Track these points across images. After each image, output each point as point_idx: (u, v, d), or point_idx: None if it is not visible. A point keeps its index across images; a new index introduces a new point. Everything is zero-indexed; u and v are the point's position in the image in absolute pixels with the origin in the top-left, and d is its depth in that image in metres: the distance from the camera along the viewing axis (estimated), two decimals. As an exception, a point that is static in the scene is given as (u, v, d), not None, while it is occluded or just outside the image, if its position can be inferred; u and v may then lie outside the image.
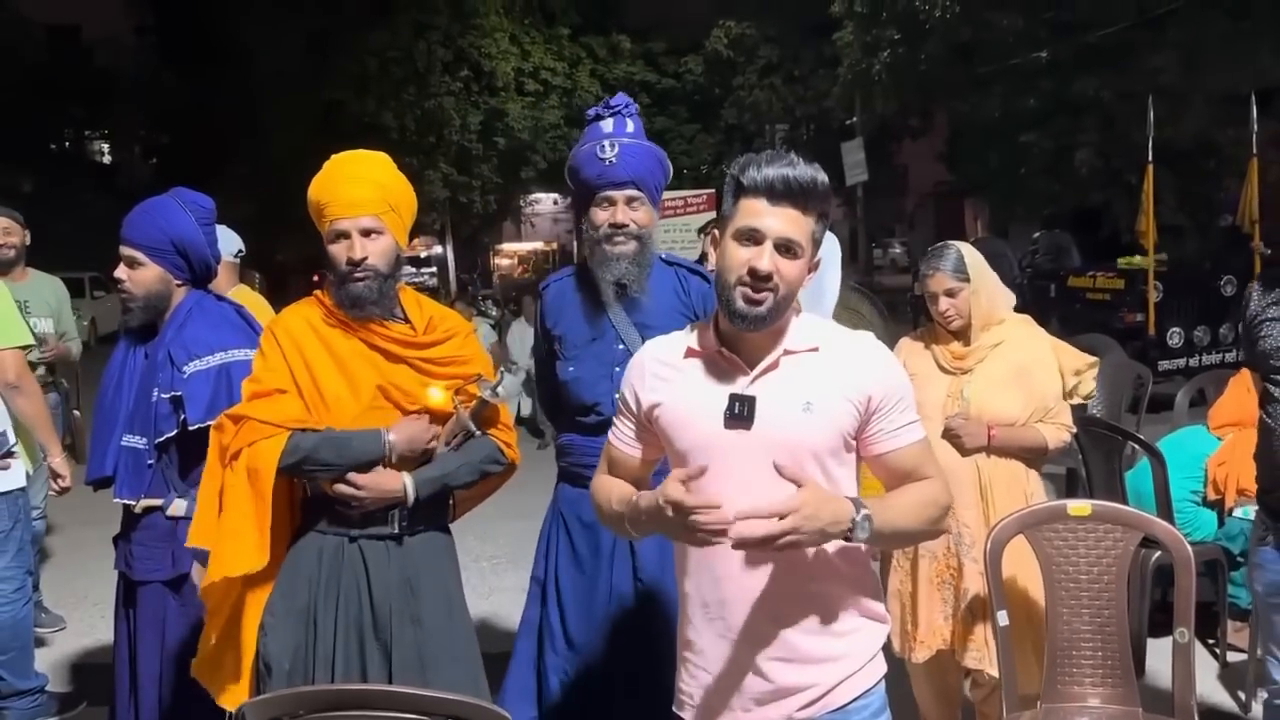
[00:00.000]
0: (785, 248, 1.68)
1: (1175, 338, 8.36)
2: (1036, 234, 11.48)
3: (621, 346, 2.63)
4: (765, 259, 1.67)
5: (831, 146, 18.52)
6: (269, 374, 2.25)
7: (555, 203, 33.52)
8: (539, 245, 33.70)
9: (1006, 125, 15.75)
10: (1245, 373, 4.16)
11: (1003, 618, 2.63)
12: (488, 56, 21.65)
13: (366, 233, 2.25)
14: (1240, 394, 4.03)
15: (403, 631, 2.26)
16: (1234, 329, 8.60)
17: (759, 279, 1.67)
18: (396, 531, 2.28)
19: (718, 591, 1.77)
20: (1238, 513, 3.92)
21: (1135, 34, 14.23)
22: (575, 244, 32.48)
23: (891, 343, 9.80)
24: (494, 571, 5.38)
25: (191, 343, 2.62)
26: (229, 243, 3.65)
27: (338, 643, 2.24)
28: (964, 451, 2.90)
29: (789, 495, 1.56)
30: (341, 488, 2.22)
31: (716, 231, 1.78)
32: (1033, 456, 2.97)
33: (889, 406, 1.74)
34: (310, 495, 2.32)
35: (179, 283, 2.73)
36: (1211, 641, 3.95)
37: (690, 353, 1.81)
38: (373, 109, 20.13)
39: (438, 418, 2.34)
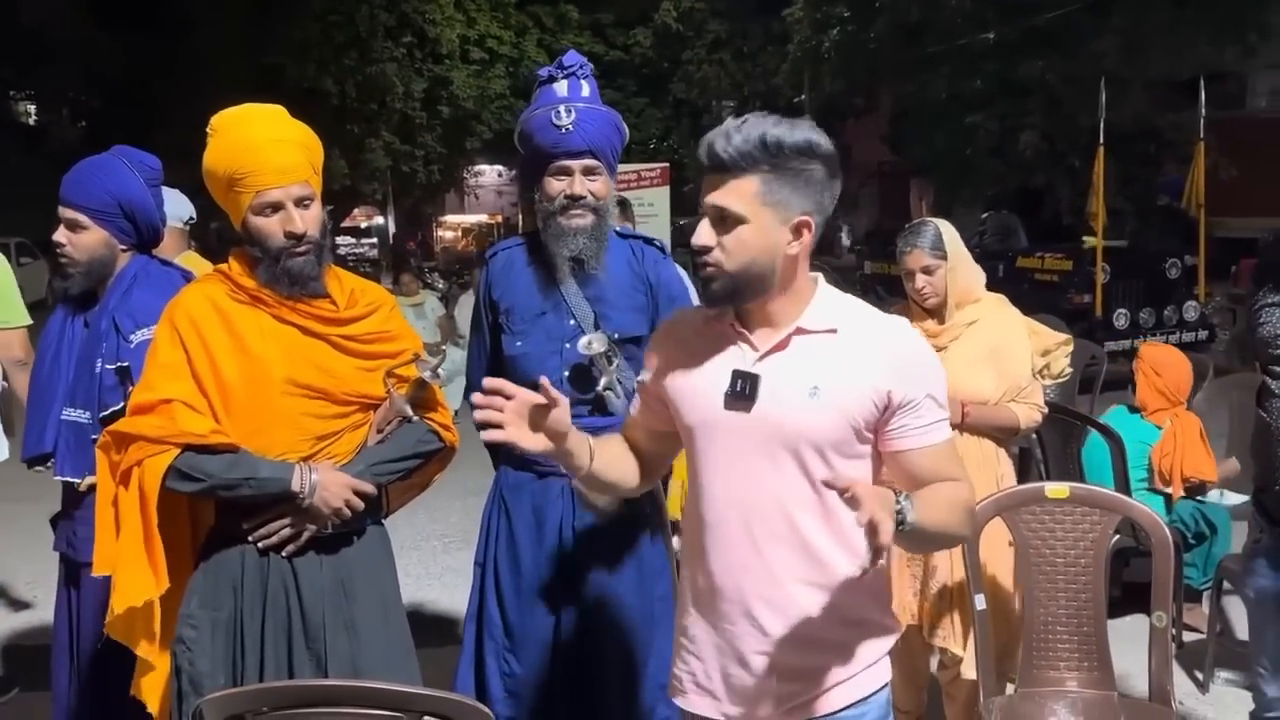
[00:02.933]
0: (719, 219, 1.57)
1: (1121, 319, 8.47)
2: (984, 214, 11.56)
3: (572, 322, 2.51)
4: (701, 233, 1.58)
5: (780, 123, 18.52)
6: (161, 378, 1.98)
7: (500, 174, 33.14)
8: (483, 218, 33.23)
9: (953, 106, 15.82)
10: (1143, 351, 4.22)
11: (980, 601, 2.60)
12: (432, 23, 21.18)
13: (299, 201, 2.02)
14: (1147, 377, 4.07)
15: (336, 641, 2.06)
16: (1178, 310, 8.75)
17: (698, 254, 1.58)
18: (329, 530, 2.07)
19: (711, 582, 1.69)
20: (1213, 495, 3.96)
21: (1080, 18, 14.37)
22: (520, 216, 32.17)
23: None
24: (445, 550, 5.25)
25: (138, 310, 2.46)
26: (180, 207, 3.46)
27: (266, 654, 2.04)
28: None
29: (865, 497, 1.40)
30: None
31: None
32: (1004, 436, 2.94)
33: (915, 401, 1.61)
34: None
35: (124, 247, 2.56)
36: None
37: (707, 322, 1.71)
38: (313, 74, 19.61)
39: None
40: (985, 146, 15.60)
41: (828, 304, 1.65)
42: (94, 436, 2.47)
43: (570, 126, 2.44)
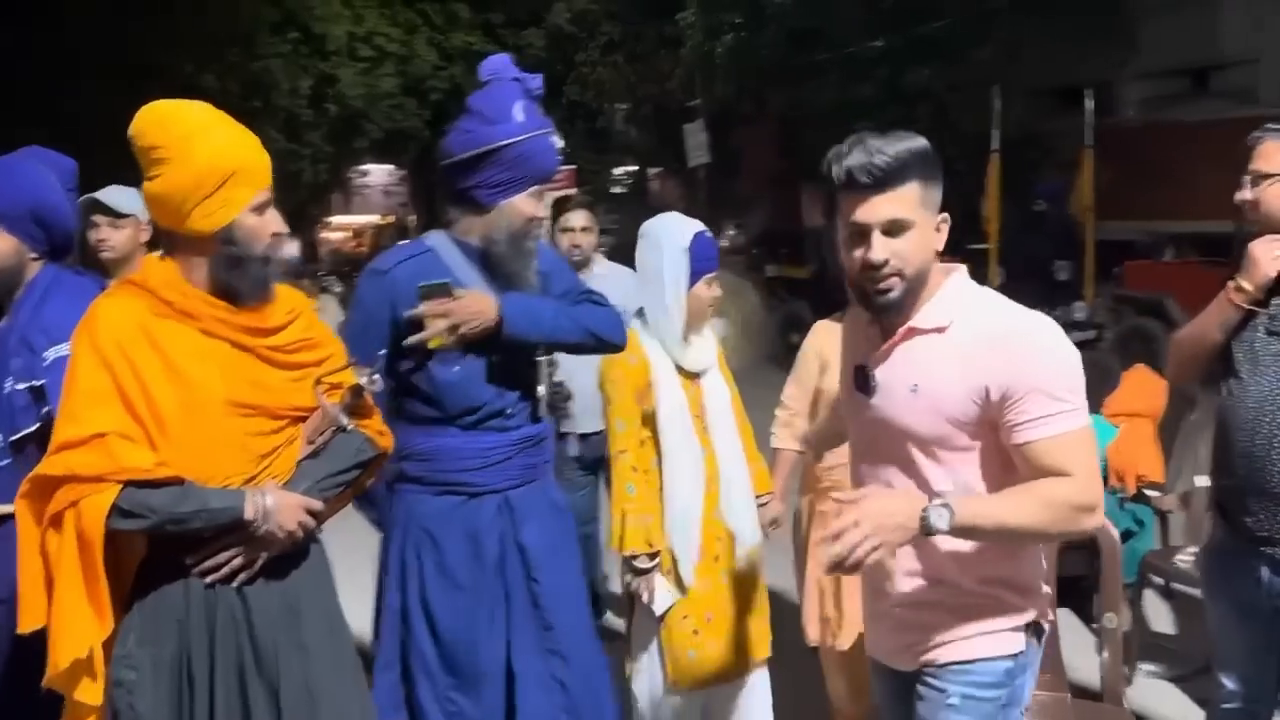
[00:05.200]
0: (894, 228, 1.64)
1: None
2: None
3: None
4: (876, 249, 1.63)
5: (673, 127, 18.57)
6: (87, 408, 1.80)
7: (388, 174, 32.45)
8: (374, 218, 32.47)
9: (843, 113, 16.14)
10: (1141, 366, 4.36)
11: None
12: (318, 19, 20.60)
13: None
14: (1135, 386, 4.19)
15: (289, 663, 1.95)
16: (1068, 311, 9.08)
17: (877, 269, 1.63)
18: (275, 551, 1.96)
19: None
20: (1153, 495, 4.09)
21: (963, 27, 14.83)
22: (412, 219, 31.56)
23: (769, 322, 9.89)
24: (361, 566, 5.02)
25: (52, 325, 2.27)
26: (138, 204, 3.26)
27: (216, 690, 1.91)
28: None
29: (847, 511, 1.56)
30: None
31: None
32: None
33: (1019, 396, 1.63)
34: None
35: (34, 256, 2.37)
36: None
37: (862, 322, 1.86)
38: (192, 70, 18.83)
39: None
40: (874, 152, 15.94)
41: (948, 300, 1.72)
42: (4, 462, 2.28)
43: (560, 153, 2.49)
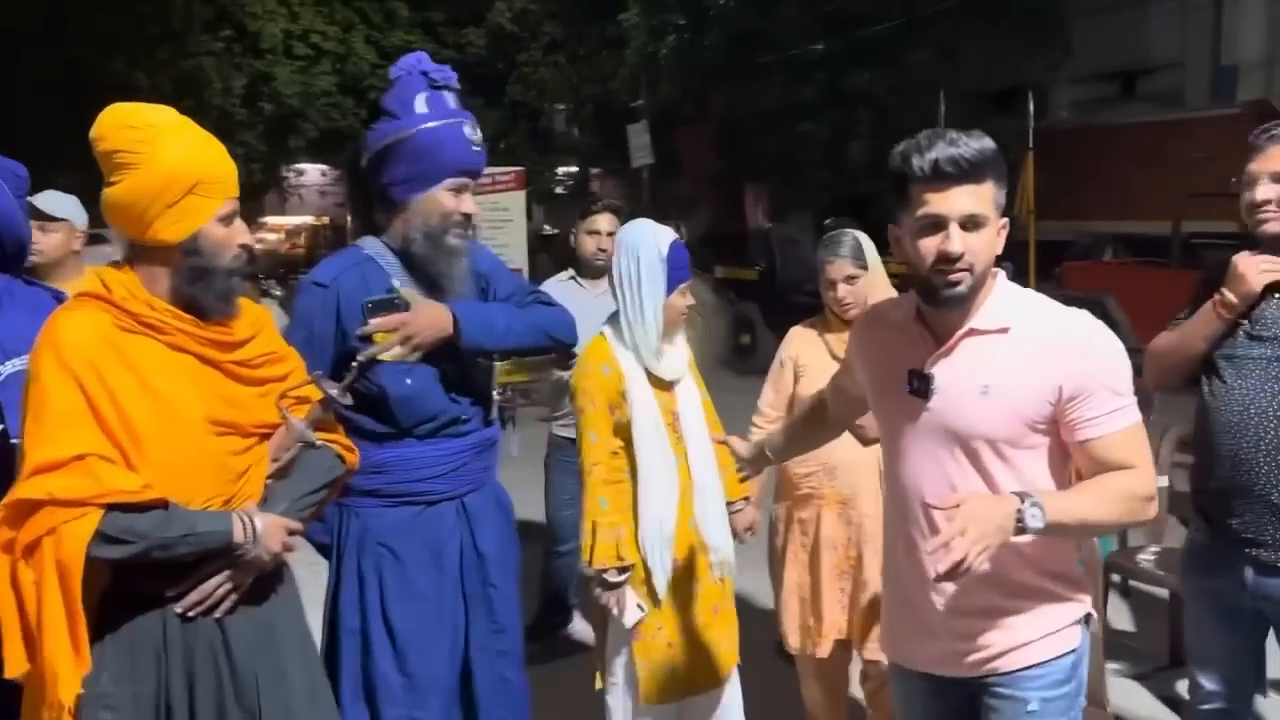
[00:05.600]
0: (971, 223, 1.65)
1: (957, 320, 8.84)
2: (827, 221, 11.89)
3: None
4: (955, 241, 1.64)
5: (615, 128, 18.54)
6: (61, 428, 1.68)
7: (324, 174, 31.92)
8: (308, 219, 31.92)
9: (785, 115, 16.25)
10: None
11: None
12: (253, 16, 20.17)
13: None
14: None
15: (270, 690, 1.87)
16: (1013, 312, 9.19)
17: (952, 261, 1.64)
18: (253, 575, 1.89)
19: (904, 552, 1.84)
20: None
21: (902, 31, 15.02)
22: (349, 219, 31.10)
23: (727, 324, 9.86)
24: (314, 579, 4.91)
25: (5, 338, 2.17)
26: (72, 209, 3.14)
27: None
28: (865, 441, 2.84)
29: (951, 518, 1.53)
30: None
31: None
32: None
33: (1087, 393, 1.67)
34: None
35: None
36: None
37: (895, 323, 1.85)
38: (123, 68, 18.31)
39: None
40: (816, 155, 16.08)
41: (1003, 301, 1.74)
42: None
43: (479, 145, 2.36)
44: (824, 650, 2.89)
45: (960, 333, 1.73)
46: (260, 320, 1.98)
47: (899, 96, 15.14)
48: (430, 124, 2.32)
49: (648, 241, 2.67)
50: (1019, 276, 9.43)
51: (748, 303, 10.45)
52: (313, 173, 31.37)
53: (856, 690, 3.16)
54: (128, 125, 1.78)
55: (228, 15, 19.82)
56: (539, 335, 2.48)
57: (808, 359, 2.99)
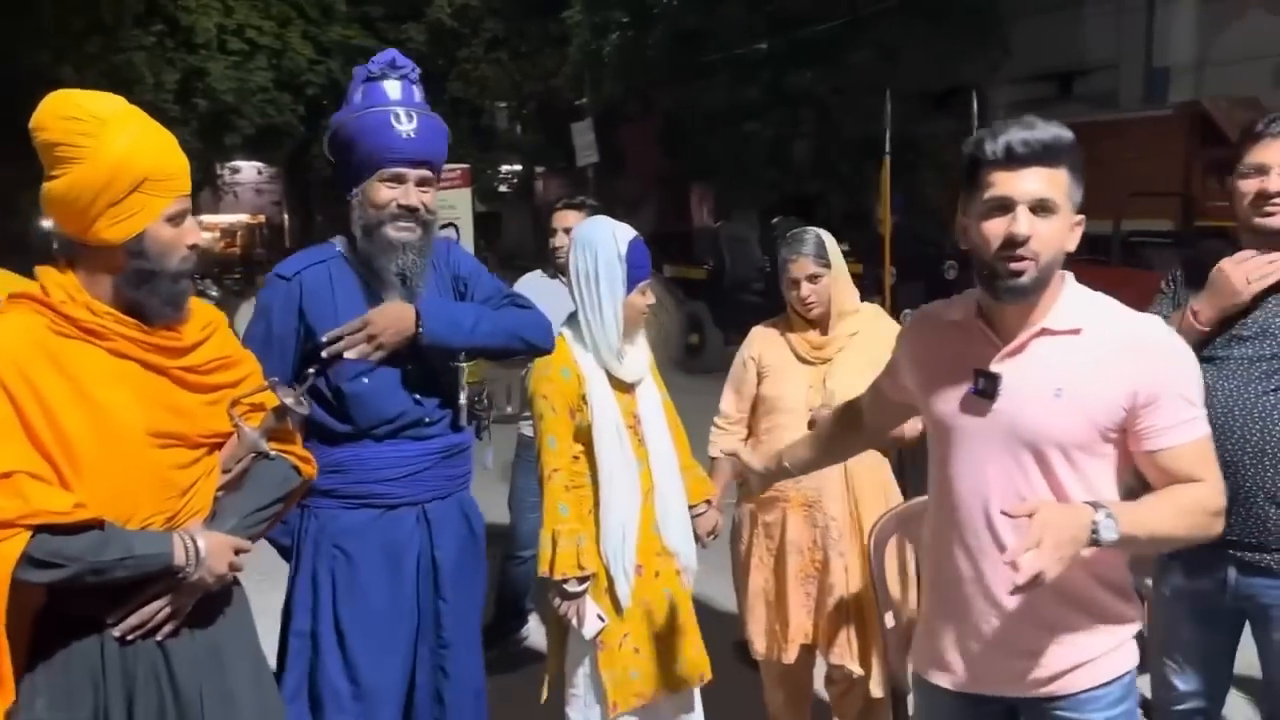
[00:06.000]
0: (1040, 207, 1.58)
1: (907, 319, 8.91)
2: (775, 220, 11.94)
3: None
4: (1021, 222, 1.57)
5: (559, 126, 18.42)
6: None
7: (259, 172, 31.34)
8: (244, 217, 31.29)
9: (730, 114, 16.27)
10: None
11: (889, 620, 2.54)
12: (185, 10, 19.69)
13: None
14: None
15: (216, 715, 1.79)
16: (958, 310, 9.32)
17: (1017, 245, 1.57)
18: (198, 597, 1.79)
19: (954, 566, 1.76)
20: None
21: (844, 31, 15.11)
22: (285, 217, 30.40)
23: (684, 323, 9.76)
24: (258, 590, 4.74)
25: None
26: None
27: None
28: (904, 442, 2.81)
29: (1028, 528, 1.47)
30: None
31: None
32: (889, 447, 2.92)
33: (1161, 401, 1.61)
34: None
35: None
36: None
37: (953, 317, 1.77)
38: (49, 62, 17.75)
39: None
40: (761, 154, 16.13)
41: (1074, 302, 1.67)
42: None
43: (412, 133, 2.27)
44: (790, 656, 2.84)
45: (1032, 332, 1.66)
46: (213, 323, 1.87)
47: (842, 96, 15.24)
48: (356, 114, 2.29)
49: (606, 239, 2.59)
50: (965, 275, 9.60)
51: (696, 302, 10.42)
52: (249, 170, 30.80)
53: (820, 693, 3.12)
54: (70, 116, 1.66)
55: (159, 9, 19.35)
56: (510, 337, 2.40)
57: (771, 359, 2.94)
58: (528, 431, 3.89)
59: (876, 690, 2.76)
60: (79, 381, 1.64)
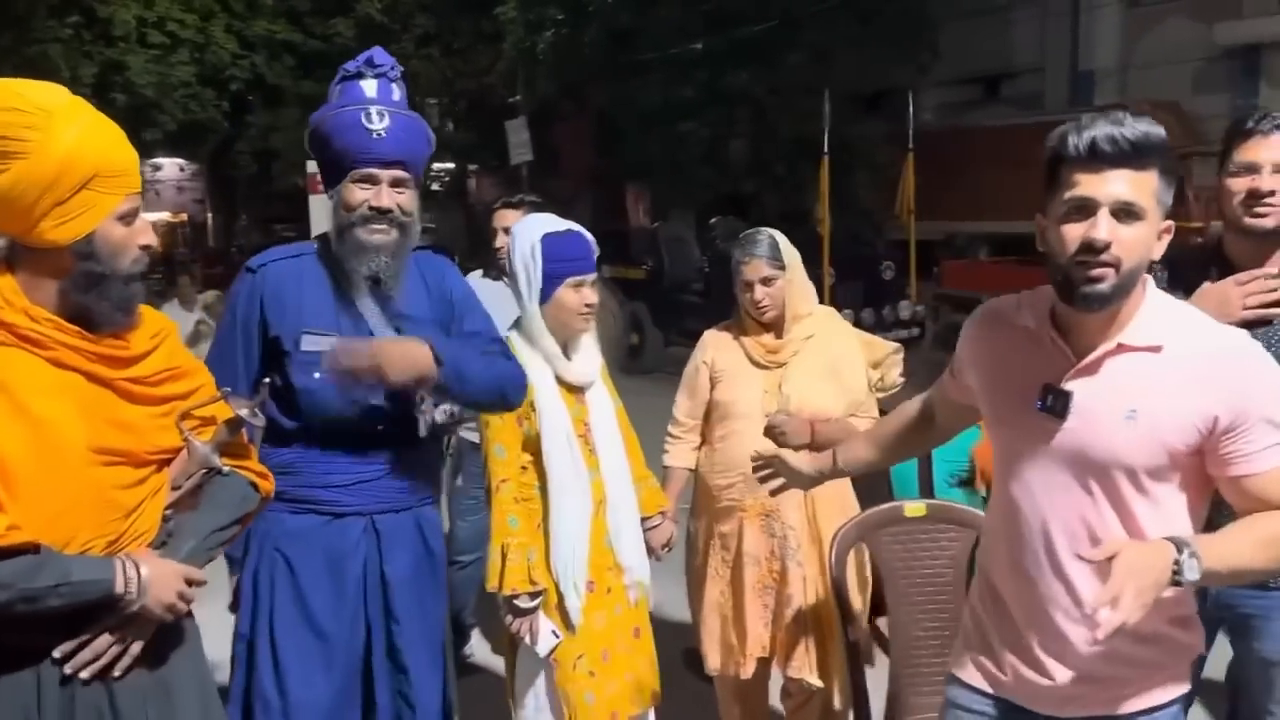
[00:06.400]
0: (1124, 212, 1.48)
1: (848, 318, 8.93)
2: (713, 220, 11.92)
3: None
4: (1101, 228, 1.47)
5: (492, 124, 18.19)
6: None
7: (181, 169, 30.50)
8: (165, 216, 30.40)
9: (666, 113, 16.23)
10: None
11: (852, 632, 2.48)
12: (103, 1, 19.05)
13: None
14: None
15: None
16: (895, 310, 9.38)
17: (1096, 251, 1.46)
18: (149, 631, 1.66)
19: (1010, 585, 1.68)
20: None
21: (777, 32, 15.16)
22: (208, 216, 29.64)
23: (627, 321, 9.61)
24: (198, 604, 4.54)
25: None
26: None
27: None
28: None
29: (1113, 572, 1.38)
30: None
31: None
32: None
33: (1246, 425, 1.51)
34: None
35: None
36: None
37: (1023, 329, 1.65)
38: (-45, 52, 17.06)
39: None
40: (697, 153, 16.11)
41: (1156, 315, 1.56)
42: None
43: (383, 132, 2.19)
44: (747, 671, 2.76)
45: (1108, 348, 1.55)
46: (162, 332, 1.75)
47: (777, 97, 15.29)
48: (331, 112, 2.23)
49: (522, 235, 2.53)
50: (900, 276, 9.69)
51: (636, 302, 10.33)
52: (170, 167, 29.96)
53: (776, 705, 3.04)
54: (13, 107, 1.53)
55: (76, 0, 18.69)
56: (496, 394, 2.33)
57: (724, 363, 2.85)
58: (471, 437, 3.77)
59: (837, 702, 2.69)
60: (14, 393, 1.51)
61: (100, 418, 1.59)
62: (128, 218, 1.61)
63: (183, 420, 1.71)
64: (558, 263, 2.49)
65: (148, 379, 1.68)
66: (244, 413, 1.77)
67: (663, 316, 10.23)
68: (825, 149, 8.84)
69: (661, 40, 15.95)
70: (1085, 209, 1.50)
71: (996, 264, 11.08)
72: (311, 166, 10.35)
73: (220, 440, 1.76)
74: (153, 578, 1.58)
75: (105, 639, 1.57)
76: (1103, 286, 1.49)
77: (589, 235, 2.60)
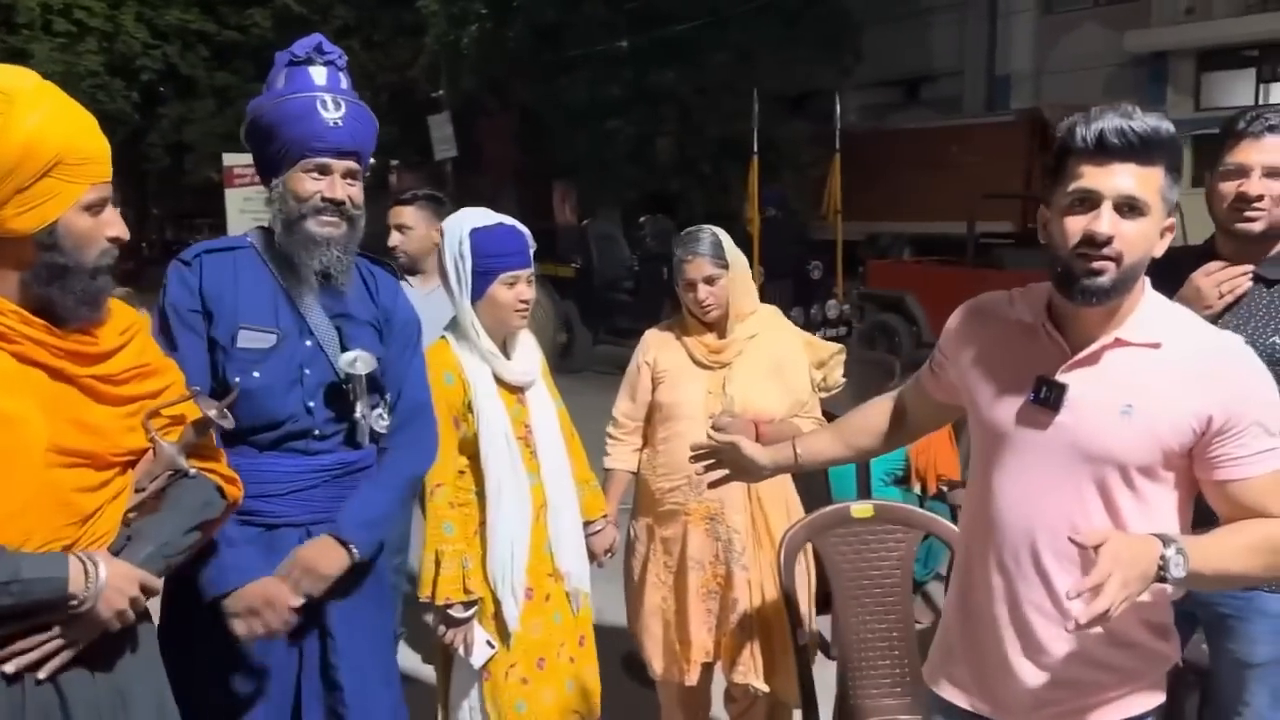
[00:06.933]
0: (1128, 206, 1.46)
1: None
2: (643, 219, 11.87)
3: (310, 343, 2.12)
4: (1104, 221, 1.44)
5: (415, 118, 17.91)
6: None
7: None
8: (72, 211, 29.37)
9: (592, 110, 16.15)
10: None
11: (802, 636, 2.45)
12: (5, -13, 18.31)
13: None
14: None
15: None
16: (822, 309, 9.44)
17: (1097, 245, 1.44)
18: (95, 635, 1.57)
19: (988, 585, 1.64)
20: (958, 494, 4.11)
21: (703, 32, 15.19)
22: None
23: (560, 318, 9.46)
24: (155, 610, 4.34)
25: None
26: None
27: None
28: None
29: (1098, 560, 1.35)
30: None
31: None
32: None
33: (1239, 429, 1.48)
34: None
35: None
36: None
37: (1017, 322, 1.63)
38: None
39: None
40: (624, 151, 16.07)
41: (1153, 313, 1.54)
42: None
43: (340, 121, 2.10)
44: (692, 677, 2.70)
45: (1105, 342, 1.53)
46: (133, 326, 1.68)
47: (703, 96, 15.32)
48: (277, 99, 2.10)
49: (450, 230, 2.47)
50: (828, 275, 9.75)
51: (565, 301, 10.22)
52: (77, 160, 28.98)
53: (718, 712, 3.00)
54: None
55: (-25, -16, 17.92)
56: (410, 489, 2.26)
57: (666, 363, 2.80)
58: None
59: (786, 704, 2.66)
60: None
61: (63, 417, 1.51)
62: (95, 208, 1.54)
63: (150, 419, 1.64)
64: (489, 258, 2.41)
65: (115, 377, 1.61)
66: (212, 413, 1.70)
67: (592, 315, 10.15)
68: (754, 148, 8.84)
69: (587, 37, 15.87)
70: (1089, 201, 1.48)
71: (919, 264, 11.25)
72: (229, 159, 10.05)
73: (188, 441, 1.69)
74: (109, 579, 1.50)
75: (39, 636, 1.49)
76: (1103, 280, 1.48)
77: (523, 229, 2.52)
